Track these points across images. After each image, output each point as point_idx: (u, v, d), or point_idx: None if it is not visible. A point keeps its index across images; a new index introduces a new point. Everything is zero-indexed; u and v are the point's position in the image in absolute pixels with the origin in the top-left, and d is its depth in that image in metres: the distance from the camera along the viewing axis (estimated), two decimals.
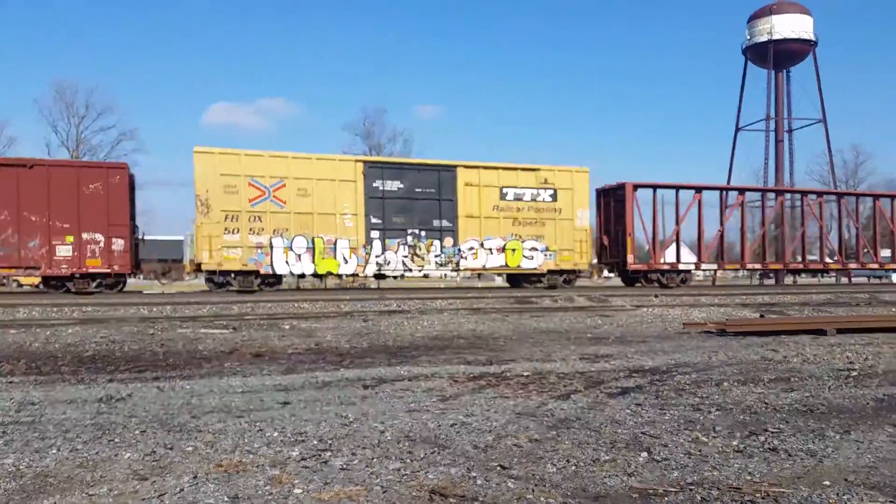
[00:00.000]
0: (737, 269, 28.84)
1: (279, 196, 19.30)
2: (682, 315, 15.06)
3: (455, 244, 21.04)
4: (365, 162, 21.02)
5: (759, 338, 10.71)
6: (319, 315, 13.89)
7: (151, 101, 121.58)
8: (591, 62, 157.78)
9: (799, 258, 27.95)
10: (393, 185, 20.44)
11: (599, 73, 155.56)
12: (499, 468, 3.86)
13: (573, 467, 3.90)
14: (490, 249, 21.37)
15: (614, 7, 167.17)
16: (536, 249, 21.91)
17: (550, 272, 22.16)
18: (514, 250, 21.61)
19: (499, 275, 25.13)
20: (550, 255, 22.01)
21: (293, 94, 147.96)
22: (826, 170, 60.62)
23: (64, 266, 17.90)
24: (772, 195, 28.25)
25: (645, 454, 4.18)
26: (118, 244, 18.32)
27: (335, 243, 19.82)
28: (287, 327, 12.17)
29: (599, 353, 9.13)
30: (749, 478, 3.74)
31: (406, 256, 20.59)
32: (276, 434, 4.60)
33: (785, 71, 62.95)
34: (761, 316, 14.33)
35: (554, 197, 22.13)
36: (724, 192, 25.63)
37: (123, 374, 7.47)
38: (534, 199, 21.91)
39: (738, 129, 65.03)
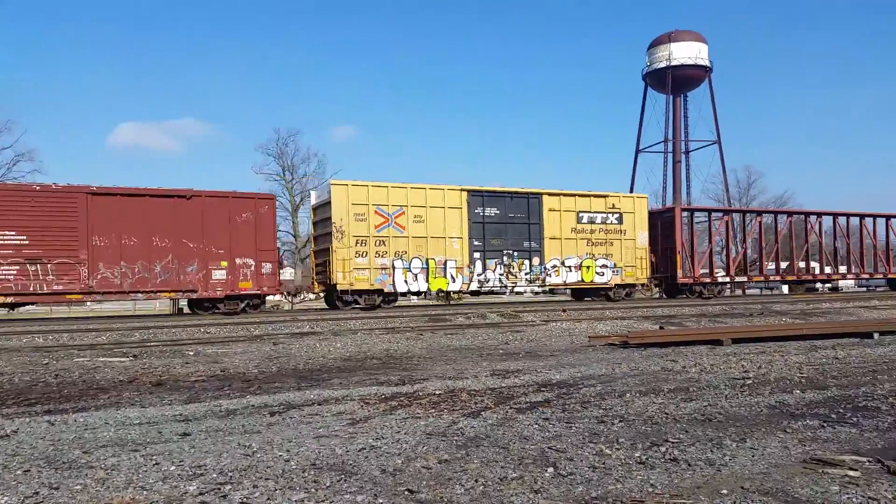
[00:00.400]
0: (761, 281, 32.10)
1: (399, 222, 21.57)
2: (588, 329, 15.47)
3: (541, 263, 23.80)
4: (469, 191, 22.86)
5: (660, 349, 11.11)
6: (227, 340, 13.42)
7: (53, 121, 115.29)
8: (505, 79, 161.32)
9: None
10: (491, 211, 23.04)
11: (514, 91, 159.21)
12: (406, 493, 3.80)
13: (481, 487, 3.89)
14: (569, 267, 24.30)
15: (527, 27, 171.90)
16: (606, 266, 24.94)
17: (617, 286, 25.26)
18: (588, 267, 24.60)
19: (565, 289, 28.02)
20: (617, 271, 25.12)
21: (204, 113, 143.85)
22: (721, 189, 64.01)
23: (219, 289, 19.48)
24: (783, 216, 31.43)
25: (551, 469, 4.22)
26: (266, 268, 20.00)
27: (445, 264, 22.26)
28: (191, 353, 11.69)
29: (510, 368, 9.22)
30: (651, 490, 3.83)
31: (502, 274, 23.23)
32: (173, 468, 4.37)
33: (682, 95, 66.34)
34: (661, 328, 14.90)
35: (620, 220, 25.21)
36: (744, 215, 31.10)
37: (10, 408, 6.95)
38: (603, 222, 24.94)
39: (638, 151, 67.99)
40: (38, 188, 18.18)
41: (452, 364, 9.92)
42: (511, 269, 23.37)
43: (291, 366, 10.13)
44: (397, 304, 22.95)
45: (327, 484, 3.98)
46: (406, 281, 21.62)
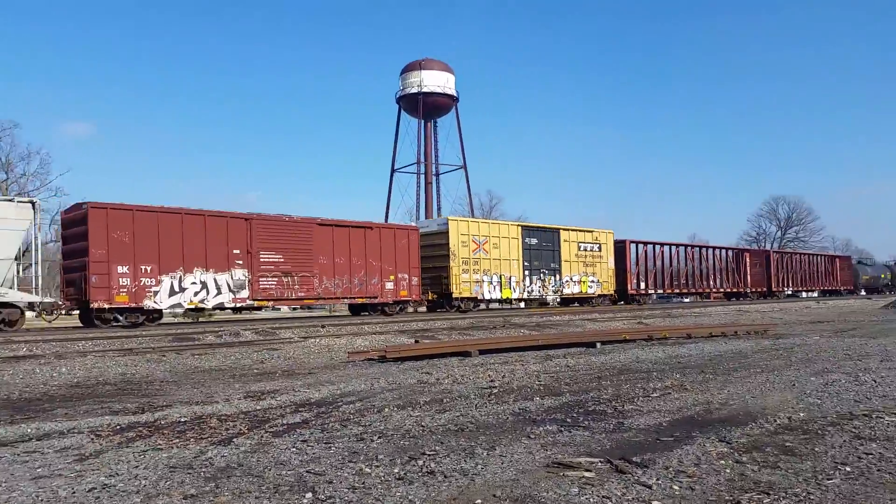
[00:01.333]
0: (676, 293, 43.32)
1: (485, 248, 29.18)
2: (347, 344, 15.44)
3: (560, 279, 32.63)
4: (522, 226, 32.03)
5: (416, 362, 11.43)
6: None
7: None
8: (257, 94, 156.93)
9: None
10: (532, 241, 31.50)
11: (265, 108, 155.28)
12: None
13: None
14: (575, 282, 33.30)
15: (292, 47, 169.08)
16: (594, 282, 34.16)
17: (599, 295, 34.44)
18: (584, 282, 33.76)
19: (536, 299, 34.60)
20: (599, 285, 34.39)
21: None
22: (467, 210, 68.47)
23: (389, 296, 25.41)
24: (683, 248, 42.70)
25: (310, 495, 4.04)
26: (414, 280, 26.28)
27: (510, 279, 30.19)
28: None
29: (266, 389, 8.82)
30: None
31: (540, 287, 31.68)
32: None
33: (433, 120, 69.94)
34: (416, 341, 15.38)
35: (600, 248, 34.71)
36: (662, 246, 40.16)
37: None
38: (591, 250, 34.27)
39: (393, 171, 70.30)
40: (287, 219, 23.04)
41: (200, 387, 9.24)
42: (545, 283, 31.85)
43: (3, 394, 8.72)
44: (480, 308, 30.96)
45: None
46: (489, 291, 29.31)
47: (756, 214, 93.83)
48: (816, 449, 5.07)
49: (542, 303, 35.34)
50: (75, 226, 19.46)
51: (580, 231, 34.19)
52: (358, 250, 24.51)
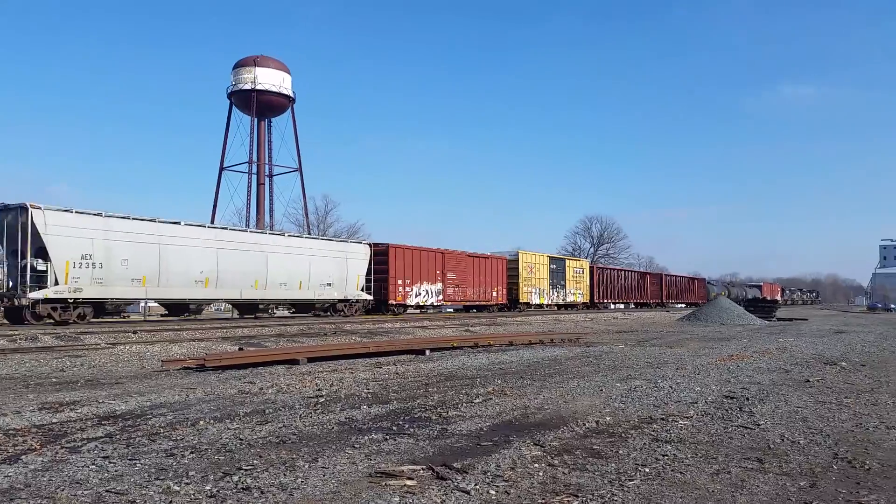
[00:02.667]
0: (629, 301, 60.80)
1: (532, 270, 45.88)
2: (163, 352, 14.46)
3: (565, 291, 49.73)
4: (549, 256, 48.89)
5: (238, 371, 10.93)
6: None
7: None
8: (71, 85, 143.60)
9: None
10: (553, 266, 48.61)
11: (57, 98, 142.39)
12: None
13: None
14: (569, 293, 50.16)
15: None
16: (579, 293, 51.73)
17: (582, 303, 51.62)
18: (575, 293, 51.01)
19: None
20: (582, 295, 51.96)
21: None
22: (301, 214, 66.94)
23: (493, 301, 41.39)
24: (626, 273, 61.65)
25: None
26: (502, 293, 42.41)
27: (542, 291, 46.63)
28: None
29: (65, 400, 7.99)
30: None
31: (556, 296, 48.60)
32: None
33: (267, 120, 67.55)
34: (240, 349, 14.72)
35: (582, 272, 52.89)
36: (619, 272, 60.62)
37: None
38: (578, 273, 52.17)
39: (222, 169, 67.00)
40: (458, 252, 39.02)
41: None
42: (558, 294, 48.91)
43: None
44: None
45: None
46: (535, 298, 45.79)
47: (572, 231, 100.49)
48: (620, 451, 5.45)
49: (558, 306, 49.18)
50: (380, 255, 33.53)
51: (574, 260, 55.65)
52: (480, 272, 40.32)
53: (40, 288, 20.38)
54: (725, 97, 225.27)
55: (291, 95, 66.95)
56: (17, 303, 20.28)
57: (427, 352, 14.31)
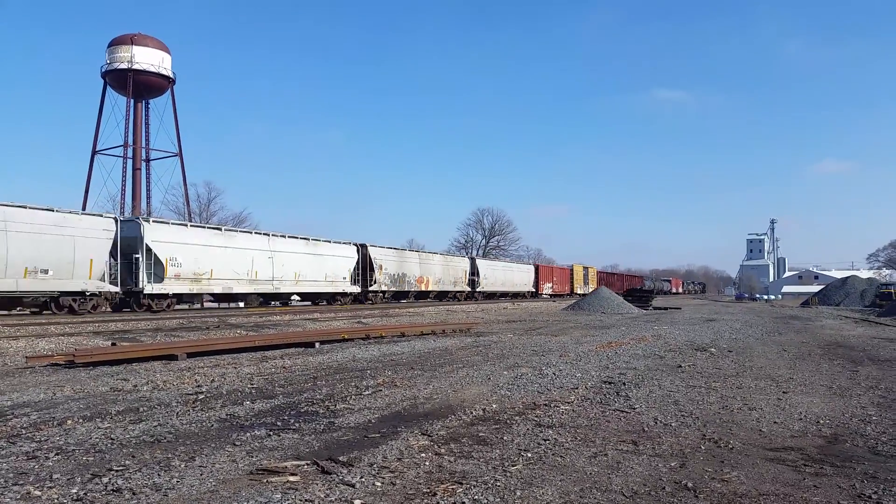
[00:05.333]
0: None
1: (581, 274, 77.25)
2: (28, 347, 13.44)
3: (582, 286, 73.51)
4: (583, 266, 77.76)
5: (111, 367, 10.33)
6: None
7: None
8: None
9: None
10: (579, 270, 77.06)
11: None
12: None
13: None
14: (581, 286, 73.45)
15: None
16: (588, 286, 73.75)
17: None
18: (582, 286, 73.94)
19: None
20: (586, 286, 73.29)
21: None
22: (182, 202, 63.90)
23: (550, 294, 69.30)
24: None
25: None
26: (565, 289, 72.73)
27: (578, 290, 72.00)
28: None
29: None
30: None
31: (578, 290, 71.81)
32: None
33: (145, 101, 63.82)
34: (113, 344, 13.91)
35: (586, 271, 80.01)
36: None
37: None
38: (586, 273, 78.87)
39: (95, 153, 62.83)
40: (548, 265, 78.44)
41: None
42: (579, 288, 70.71)
43: None
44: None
45: None
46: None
47: (465, 224, 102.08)
48: (505, 438, 5.56)
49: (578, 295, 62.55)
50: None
51: (586, 267, 77.52)
52: (545, 276, 67.38)
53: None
54: (602, 101, 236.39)
55: (171, 76, 63.73)
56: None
57: (317, 344, 14.06)
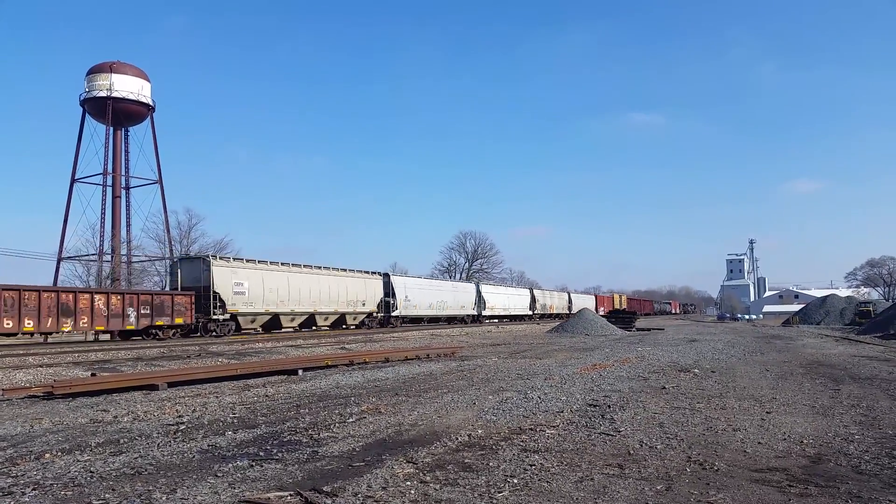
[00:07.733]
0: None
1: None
2: (4, 379, 13.19)
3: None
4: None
5: (91, 398, 10.16)
6: None
7: None
8: None
9: None
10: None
11: None
12: None
13: None
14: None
15: None
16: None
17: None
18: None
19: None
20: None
21: None
22: (162, 229, 63.34)
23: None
24: None
25: None
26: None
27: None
28: None
29: None
30: None
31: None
32: None
33: (124, 129, 63.39)
34: (93, 374, 13.70)
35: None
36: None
37: None
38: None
39: (74, 181, 62.21)
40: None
41: None
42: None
43: None
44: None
45: None
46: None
47: (448, 247, 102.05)
48: (491, 463, 5.53)
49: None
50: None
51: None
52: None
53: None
54: (579, 124, 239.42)
55: (151, 104, 63.46)
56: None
57: (300, 371, 13.93)
